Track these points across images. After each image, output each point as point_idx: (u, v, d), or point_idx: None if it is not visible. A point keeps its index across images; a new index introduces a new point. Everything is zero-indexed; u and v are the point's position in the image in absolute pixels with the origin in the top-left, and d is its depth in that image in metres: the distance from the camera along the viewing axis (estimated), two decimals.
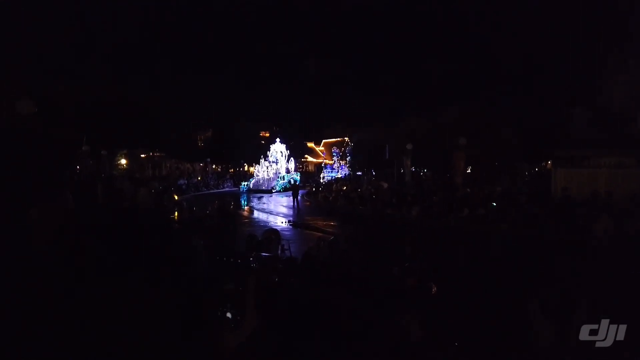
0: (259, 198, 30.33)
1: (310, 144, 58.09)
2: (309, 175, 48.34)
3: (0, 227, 4.11)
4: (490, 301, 5.63)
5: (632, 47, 17.95)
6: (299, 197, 23.83)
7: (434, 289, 4.86)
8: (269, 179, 37.14)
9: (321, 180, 41.23)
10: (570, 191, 14.22)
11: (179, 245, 5.69)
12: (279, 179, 37.11)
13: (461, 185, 18.98)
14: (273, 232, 6.85)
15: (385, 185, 22.77)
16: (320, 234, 14.79)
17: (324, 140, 56.40)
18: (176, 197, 22.04)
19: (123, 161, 37.10)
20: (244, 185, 37.24)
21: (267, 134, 53.64)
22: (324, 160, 52.74)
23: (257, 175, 38.51)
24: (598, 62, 19.64)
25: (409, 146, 23.26)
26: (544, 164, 27.33)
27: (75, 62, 28.81)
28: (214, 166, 48.52)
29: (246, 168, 49.19)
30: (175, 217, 16.48)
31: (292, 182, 38.60)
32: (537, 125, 24.00)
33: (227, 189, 39.25)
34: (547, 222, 12.63)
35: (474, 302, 5.45)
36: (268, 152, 40.22)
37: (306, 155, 56.95)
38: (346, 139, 50.73)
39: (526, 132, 24.66)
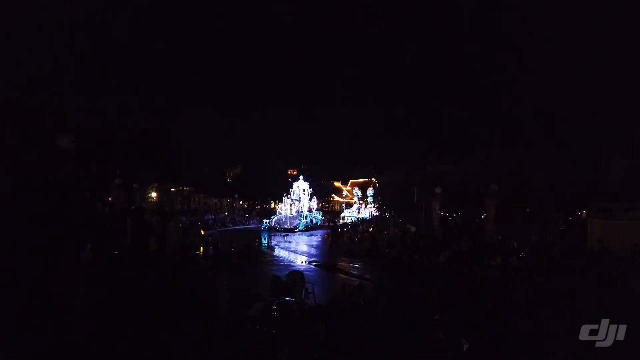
0: (284, 237, 30.19)
1: (338, 184, 58.13)
2: (334, 214, 48.01)
3: (27, 278, 4.21)
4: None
5: None
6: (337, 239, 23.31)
7: (466, 346, 4.57)
8: (291, 217, 36.90)
9: (341, 221, 40.74)
10: (607, 243, 13.58)
11: (204, 287, 5.64)
12: (302, 218, 36.92)
13: (492, 233, 18.44)
14: (298, 275, 6.74)
15: (413, 228, 22.34)
16: (345, 277, 14.51)
17: (351, 181, 56.35)
18: (202, 232, 22.24)
19: (153, 194, 37.89)
20: (266, 222, 37.09)
21: (295, 172, 54.01)
22: (350, 200, 52.46)
23: (280, 213, 38.34)
24: (636, 112, 19.17)
25: (437, 190, 22.91)
26: (579, 213, 26.43)
27: (111, 99, 30.02)
28: (241, 202, 48.95)
29: (272, 205, 49.39)
30: (201, 252, 16.60)
31: (314, 221, 38.44)
32: (571, 175, 23.38)
33: (253, 225, 39.30)
34: (582, 275, 12.01)
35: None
36: (291, 190, 40.15)
37: (333, 195, 56.93)
38: (373, 179, 50.46)
39: (560, 180, 24.03)
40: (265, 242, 26.60)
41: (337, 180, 58.16)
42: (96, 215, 18.35)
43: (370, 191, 46.92)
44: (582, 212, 25.82)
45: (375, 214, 42.59)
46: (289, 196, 39.21)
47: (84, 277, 4.90)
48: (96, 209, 19.58)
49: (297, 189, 40.10)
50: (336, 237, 22.75)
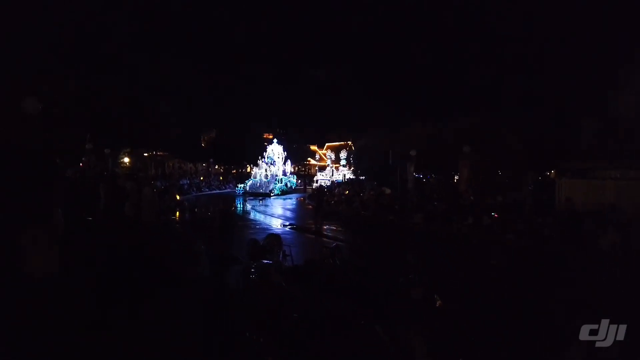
0: (260, 200, 30.18)
1: (314, 147, 58.04)
2: (310, 178, 48.04)
3: None
4: (495, 314, 5.53)
5: None
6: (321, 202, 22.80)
7: (439, 302, 4.75)
8: (266, 182, 36.54)
9: (314, 184, 40.74)
10: (575, 202, 14.07)
11: (182, 252, 5.63)
12: (276, 182, 36.72)
13: (465, 193, 18.84)
14: (275, 237, 6.78)
15: (388, 191, 22.62)
16: (321, 239, 14.71)
17: (327, 144, 56.28)
18: (178, 197, 22.02)
19: (126, 159, 37.12)
20: (241, 187, 36.63)
21: (271, 136, 53.57)
22: (325, 164, 52.48)
23: (255, 177, 37.89)
24: (607, 73, 19.48)
25: (412, 152, 23.15)
26: (548, 173, 27.15)
27: (80, 62, 28.81)
28: (216, 167, 48.51)
29: (248, 169, 49.11)
30: (177, 217, 16.48)
31: (289, 185, 38.33)
32: (543, 135, 23.84)
33: (229, 190, 39.07)
34: (552, 234, 12.49)
35: (478, 316, 5.35)
36: (265, 153, 39.54)
37: (309, 159, 56.91)
38: (349, 143, 50.45)
39: (532, 141, 24.48)
40: (240, 206, 26.54)
41: (314, 144, 58.03)
42: (67, 180, 17.88)
43: (343, 154, 46.64)
44: (550, 172, 26.54)
45: (348, 177, 42.65)
46: (263, 160, 38.72)
47: (56, 241, 4.81)
48: (66, 174, 19.06)
49: (271, 152, 39.52)
50: (321, 201, 22.33)
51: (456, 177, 26.99)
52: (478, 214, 15.03)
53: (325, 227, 17.37)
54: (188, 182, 36.20)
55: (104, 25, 31.46)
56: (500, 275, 8.40)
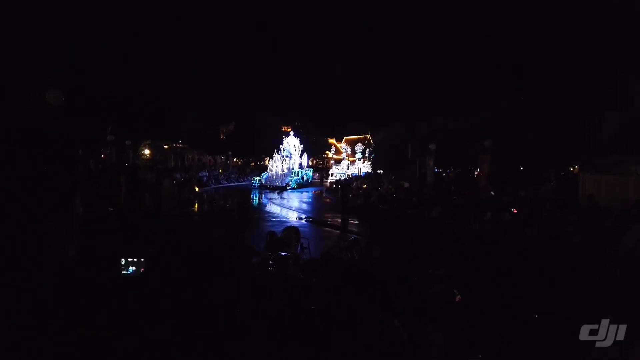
0: (278, 193, 30.25)
1: (332, 140, 57.81)
2: (327, 171, 47.82)
3: (16, 234, 4.17)
4: (515, 311, 5.44)
5: None
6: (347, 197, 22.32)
7: (458, 297, 4.68)
8: (282, 175, 36.06)
9: (330, 178, 40.39)
10: (598, 198, 13.72)
11: (201, 243, 5.67)
12: (292, 175, 36.38)
13: (485, 188, 18.58)
14: (293, 230, 6.79)
15: (407, 184, 22.46)
16: (340, 232, 14.70)
17: (345, 137, 55.97)
18: (197, 189, 22.27)
19: (146, 151, 37.63)
20: (257, 180, 36.19)
21: (289, 129, 53.58)
22: (344, 157, 52.21)
23: (271, 170, 37.39)
24: (630, 67, 18.94)
25: (432, 146, 22.89)
26: (571, 168, 26.59)
27: (101, 55, 29.25)
28: (235, 159, 48.81)
29: (266, 162, 49.26)
30: (196, 209, 16.68)
31: (305, 178, 38.12)
32: (566, 129, 23.33)
33: (247, 182, 39.16)
34: (574, 230, 12.23)
35: (498, 312, 5.27)
36: (281, 146, 39.01)
37: (327, 152, 56.75)
38: (368, 136, 50.12)
39: (554, 135, 23.98)
40: (256, 199, 26.61)
41: (332, 137, 57.81)
42: (89, 171, 18.23)
43: (358, 147, 46.13)
44: (573, 168, 25.99)
45: (364, 171, 42.29)
46: (279, 152, 38.30)
47: (77, 229, 4.89)
48: (89, 165, 19.44)
49: (287, 144, 39.18)
50: (346, 195, 21.99)
51: (476, 172, 26.66)
52: (497, 209, 14.81)
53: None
54: (207, 174, 36.53)
55: (125, 18, 31.87)
56: (521, 272, 8.28)
